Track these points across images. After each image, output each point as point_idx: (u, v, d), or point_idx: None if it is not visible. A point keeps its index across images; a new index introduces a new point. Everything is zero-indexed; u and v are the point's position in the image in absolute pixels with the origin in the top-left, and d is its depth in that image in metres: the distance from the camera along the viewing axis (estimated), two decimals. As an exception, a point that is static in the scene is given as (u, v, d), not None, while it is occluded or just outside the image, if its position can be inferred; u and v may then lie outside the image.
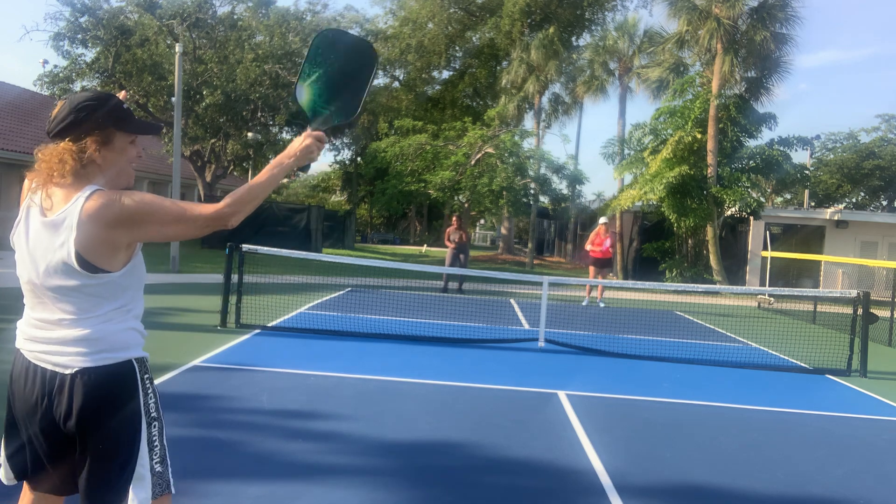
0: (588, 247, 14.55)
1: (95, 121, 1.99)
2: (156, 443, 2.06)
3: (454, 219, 15.92)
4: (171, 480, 2.11)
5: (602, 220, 14.92)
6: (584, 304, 14.13)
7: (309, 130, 2.17)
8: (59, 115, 2.00)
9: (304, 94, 2.25)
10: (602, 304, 14.20)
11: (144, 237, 2.00)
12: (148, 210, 1.95)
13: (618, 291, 17.19)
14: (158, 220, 1.96)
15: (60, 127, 1.98)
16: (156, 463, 2.05)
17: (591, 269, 14.53)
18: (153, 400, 2.08)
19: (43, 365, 2.00)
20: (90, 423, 1.95)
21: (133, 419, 2.01)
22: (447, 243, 15.48)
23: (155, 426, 2.06)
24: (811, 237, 22.59)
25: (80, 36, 24.15)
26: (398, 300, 12.36)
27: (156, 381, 6.23)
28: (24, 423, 2.04)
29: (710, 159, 20.88)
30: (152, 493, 2.02)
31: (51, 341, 2.00)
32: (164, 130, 27.19)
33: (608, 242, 14.35)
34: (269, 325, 8.88)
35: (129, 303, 2.05)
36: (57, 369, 1.98)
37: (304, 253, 10.40)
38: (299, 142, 2.14)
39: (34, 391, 1.99)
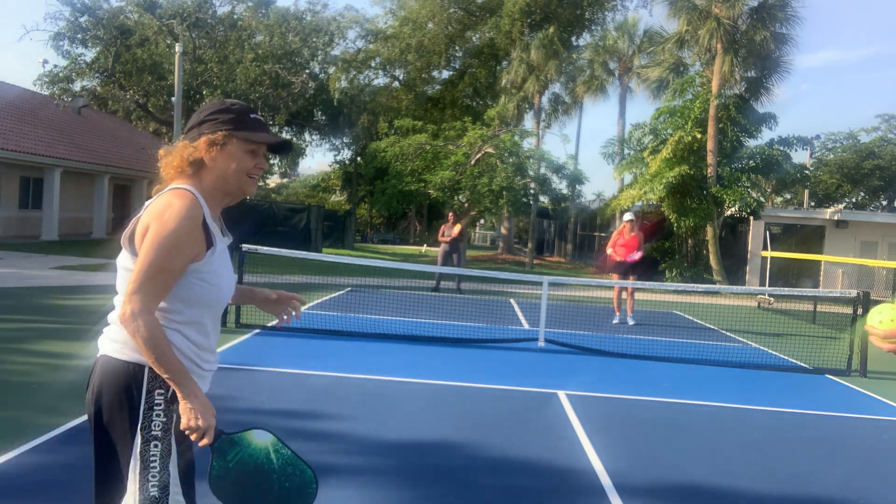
0: (609, 250, 11.49)
1: (214, 122, 2.00)
2: (153, 464, 1.93)
3: (450, 215, 15.87)
4: None
5: (627, 216, 11.56)
6: (614, 321, 11.44)
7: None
8: (191, 118, 2.04)
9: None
10: (632, 322, 11.41)
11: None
12: (143, 249, 1.88)
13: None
14: (141, 264, 1.88)
15: (188, 128, 2.04)
16: (151, 486, 1.93)
17: (614, 276, 11.42)
18: (161, 419, 1.93)
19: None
20: (91, 409, 1.96)
21: (122, 426, 1.92)
22: (440, 239, 15.41)
23: (156, 446, 1.93)
24: (811, 237, 22.59)
25: (80, 36, 24.18)
26: (398, 300, 12.36)
27: (156, 381, 6.12)
28: None
29: (709, 159, 20.88)
30: None
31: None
32: (164, 130, 27.28)
33: (636, 247, 11.32)
34: (269, 324, 8.88)
35: (172, 311, 1.95)
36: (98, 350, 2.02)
37: (304, 253, 10.40)
38: (192, 405, 1.90)
39: None
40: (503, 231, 37.48)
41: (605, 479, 4.19)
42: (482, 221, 47.03)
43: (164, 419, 1.94)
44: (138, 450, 1.92)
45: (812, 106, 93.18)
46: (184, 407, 1.88)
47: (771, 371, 8.25)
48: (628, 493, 4.00)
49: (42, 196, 22.79)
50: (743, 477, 4.45)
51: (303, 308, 2.35)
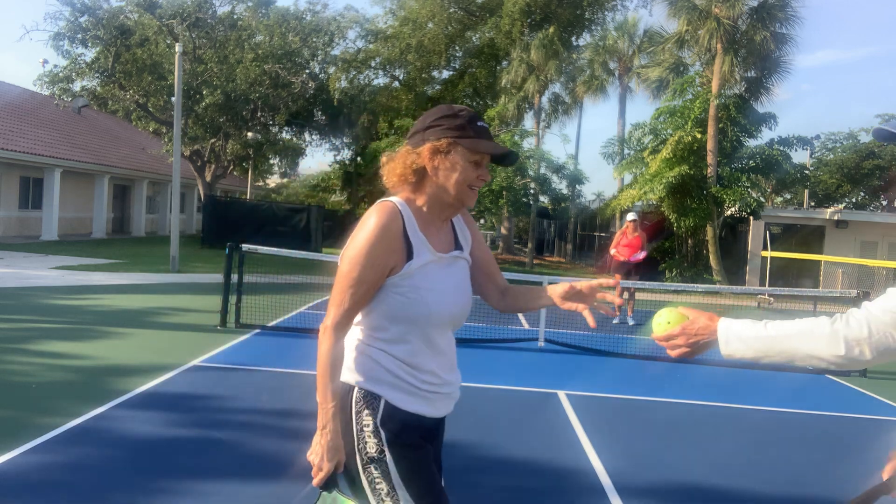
0: (612, 250, 11.88)
1: (439, 128, 1.89)
2: (379, 485, 1.85)
3: None
4: None
5: (630, 216, 12.00)
6: (614, 321, 11.60)
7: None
8: (416, 123, 1.96)
9: None
10: (632, 322, 11.74)
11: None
12: (341, 264, 1.87)
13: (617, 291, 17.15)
14: (336, 277, 1.87)
15: (412, 133, 1.95)
16: None
17: (617, 277, 12.24)
18: (374, 440, 1.85)
19: None
20: None
21: (348, 449, 1.86)
22: None
23: (376, 468, 1.84)
24: (811, 237, 22.58)
25: (79, 35, 24.14)
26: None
27: (155, 381, 6.19)
28: None
29: (709, 159, 20.87)
30: None
31: None
32: (164, 130, 27.27)
33: (640, 247, 11.72)
34: (269, 324, 8.88)
35: (377, 329, 1.89)
36: None
37: (304, 253, 10.40)
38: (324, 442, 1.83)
39: None
40: (503, 231, 37.46)
41: (605, 479, 4.19)
42: (482, 221, 47.04)
43: (376, 440, 1.86)
44: (362, 473, 1.87)
45: (812, 106, 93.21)
46: (315, 437, 1.82)
47: (771, 371, 8.25)
48: (628, 493, 4.00)
49: (42, 196, 22.79)
50: (743, 477, 4.45)
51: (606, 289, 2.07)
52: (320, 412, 1.81)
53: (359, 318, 1.90)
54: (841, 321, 1.51)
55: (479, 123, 1.91)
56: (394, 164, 1.93)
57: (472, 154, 1.88)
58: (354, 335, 1.92)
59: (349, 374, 1.89)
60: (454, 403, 2.02)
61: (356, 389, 1.87)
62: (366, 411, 1.86)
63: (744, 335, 1.65)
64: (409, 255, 1.86)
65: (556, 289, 2.06)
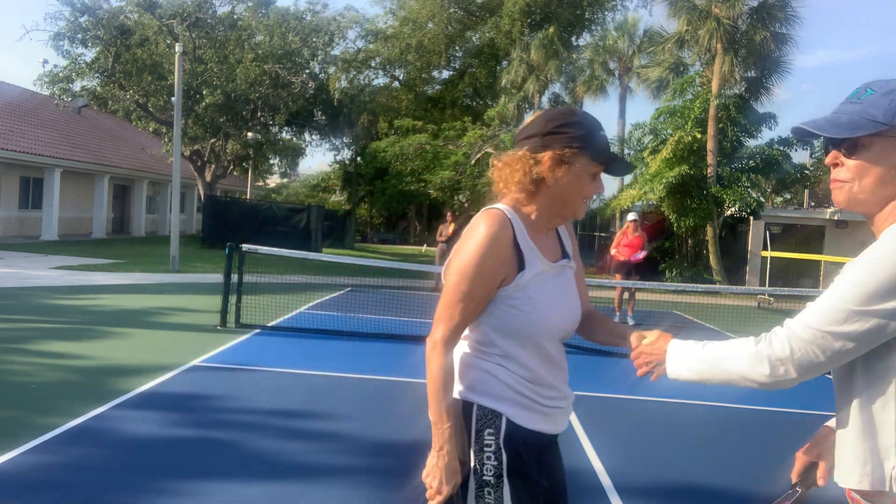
0: (613, 250, 11.91)
1: (564, 136, 1.76)
2: None
3: (448, 215, 15.92)
4: None
5: (630, 216, 12.08)
6: (614, 321, 11.65)
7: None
8: (531, 123, 1.83)
9: None
10: (631, 321, 11.53)
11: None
12: (448, 275, 1.78)
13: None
14: (444, 289, 1.78)
15: (527, 134, 1.82)
16: None
17: (618, 276, 11.63)
18: (492, 462, 1.76)
19: None
20: None
21: (465, 465, 1.80)
22: (438, 238, 15.49)
23: (489, 493, 1.76)
24: (811, 237, 22.57)
25: (79, 36, 24.15)
26: (398, 300, 12.36)
27: (155, 381, 6.17)
28: None
29: (709, 159, 20.88)
30: None
31: None
32: (164, 130, 27.28)
33: (640, 246, 11.77)
34: (269, 324, 8.88)
35: (488, 343, 1.80)
36: None
37: (304, 253, 10.40)
38: (442, 461, 1.77)
39: None
40: (503, 231, 37.41)
41: (605, 479, 4.19)
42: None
43: (496, 462, 1.77)
44: (472, 494, 1.79)
45: (812, 106, 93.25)
46: (430, 459, 1.76)
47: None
48: (628, 492, 4.00)
49: (42, 196, 22.79)
50: (743, 477, 4.45)
51: None
52: (436, 432, 1.75)
53: (475, 329, 1.82)
54: (764, 341, 1.47)
55: (601, 133, 1.81)
56: (511, 172, 1.80)
57: (594, 167, 1.80)
58: (462, 349, 1.84)
59: (466, 391, 1.80)
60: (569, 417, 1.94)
61: (476, 407, 1.79)
62: (487, 430, 1.78)
63: (686, 357, 1.64)
64: (521, 266, 1.77)
65: (637, 340, 1.84)
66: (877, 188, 1.42)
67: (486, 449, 1.77)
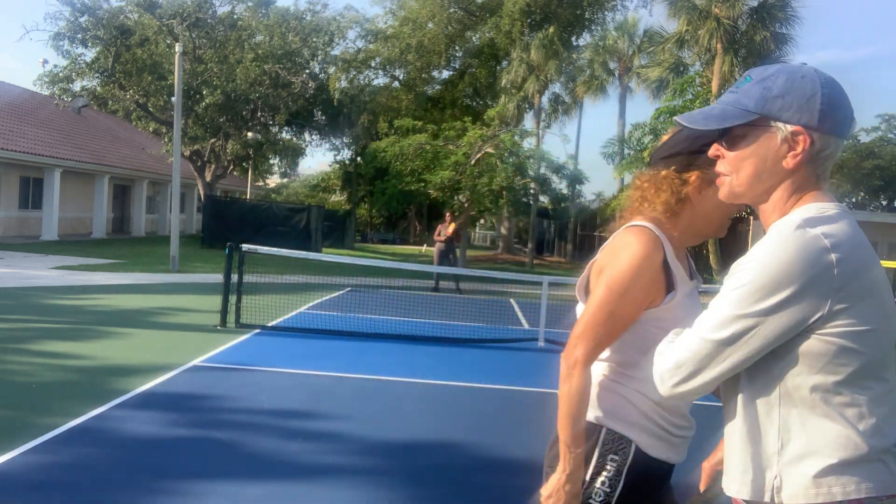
0: None
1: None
2: None
3: (447, 215, 15.92)
4: None
5: None
6: None
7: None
8: (672, 140, 1.78)
9: None
10: None
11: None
12: (594, 291, 1.73)
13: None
14: (589, 305, 1.71)
15: (672, 152, 1.76)
16: None
17: None
18: (605, 488, 1.72)
19: None
20: None
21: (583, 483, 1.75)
22: (436, 238, 15.47)
23: None
24: (811, 237, 22.56)
25: (79, 36, 24.15)
26: (397, 300, 12.36)
27: (155, 381, 6.17)
28: None
29: (709, 159, 20.88)
30: None
31: None
32: (164, 130, 27.29)
33: None
34: (269, 324, 8.88)
35: (628, 365, 1.74)
36: None
37: (304, 253, 10.41)
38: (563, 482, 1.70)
39: None
40: (503, 231, 37.48)
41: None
42: (482, 221, 47.07)
43: (608, 489, 1.72)
44: None
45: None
46: (555, 480, 1.68)
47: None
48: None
49: (42, 196, 22.80)
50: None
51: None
52: (567, 456, 1.67)
53: (606, 352, 1.76)
54: (663, 354, 1.42)
55: None
56: (657, 190, 1.76)
57: None
58: (599, 370, 1.78)
59: (597, 413, 1.75)
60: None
61: (605, 430, 1.74)
62: (612, 455, 1.73)
63: None
64: (670, 287, 1.72)
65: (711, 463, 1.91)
66: (753, 181, 1.36)
67: (604, 472, 1.73)
